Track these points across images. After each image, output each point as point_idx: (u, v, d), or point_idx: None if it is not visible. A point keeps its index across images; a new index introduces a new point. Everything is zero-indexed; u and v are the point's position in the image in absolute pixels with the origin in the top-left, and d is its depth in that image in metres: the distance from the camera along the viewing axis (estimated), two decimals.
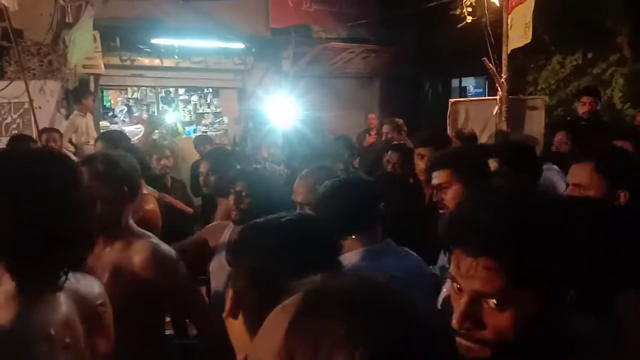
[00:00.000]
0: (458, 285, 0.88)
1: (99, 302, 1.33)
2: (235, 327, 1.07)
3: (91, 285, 1.35)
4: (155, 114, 8.94)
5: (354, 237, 1.75)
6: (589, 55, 7.83)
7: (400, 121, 5.69)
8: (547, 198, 0.99)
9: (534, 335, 0.86)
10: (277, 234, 1.13)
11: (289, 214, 1.23)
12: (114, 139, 3.52)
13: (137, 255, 1.76)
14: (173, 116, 9.34)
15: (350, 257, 1.71)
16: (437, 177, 2.10)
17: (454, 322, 0.85)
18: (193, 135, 8.59)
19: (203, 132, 9.15)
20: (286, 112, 6.63)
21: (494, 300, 0.84)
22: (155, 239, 1.87)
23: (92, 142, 5.53)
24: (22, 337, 1.08)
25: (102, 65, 6.77)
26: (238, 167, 3.32)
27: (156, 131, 7.84)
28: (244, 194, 2.43)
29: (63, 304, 1.19)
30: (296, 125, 5.97)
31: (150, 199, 2.97)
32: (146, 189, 3.05)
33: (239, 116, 9.17)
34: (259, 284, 1.05)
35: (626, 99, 7.20)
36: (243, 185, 2.45)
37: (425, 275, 1.85)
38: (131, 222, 1.93)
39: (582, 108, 4.70)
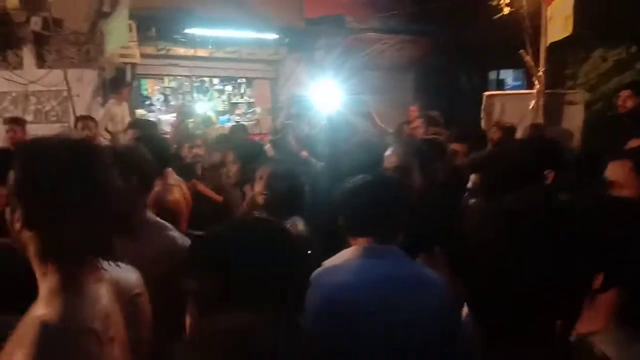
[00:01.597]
0: None
1: (136, 291, 1.32)
2: None
3: (128, 275, 1.33)
4: (190, 103, 9.06)
5: (368, 239, 1.68)
6: (633, 50, 7.53)
7: (435, 113, 5.57)
8: None
9: None
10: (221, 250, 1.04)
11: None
12: (144, 126, 3.58)
13: (149, 247, 1.74)
14: (207, 105, 9.46)
15: (348, 252, 1.68)
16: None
17: None
18: (226, 125, 8.69)
19: (236, 121, 9.24)
20: (330, 98, 6.59)
21: None
22: (172, 231, 1.87)
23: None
24: (67, 332, 1.05)
25: (138, 55, 6.90)
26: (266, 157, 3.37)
27: (189, 120, 7.99)
28: (263, 189, 2.46)
29: (104, 296, 1.18)
30: (340, 110, 5.90)
31: (175, 189, 3.01)
32: (173, 179, 3.10)
33: (272, 106, 9.22)
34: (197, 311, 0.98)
35: None
36: (262, 179, 2.48)
37: (431, 283, 1.66)
38: (148, 213, 1.94)
39: (620, 102, 4.51)
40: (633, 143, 2.53)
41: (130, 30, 6.22)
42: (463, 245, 1.02)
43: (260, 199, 2.51)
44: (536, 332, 0.92)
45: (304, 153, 5.03)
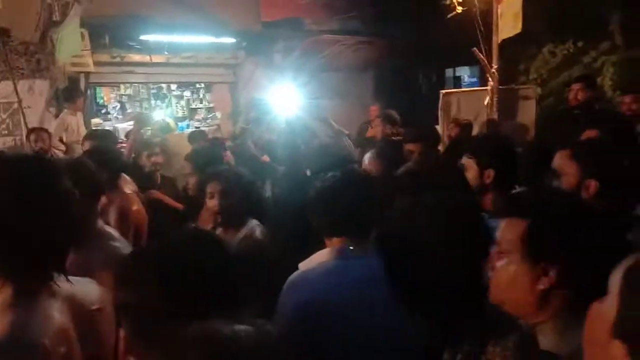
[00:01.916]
0: None
1: (95, 307, 1.30)
2: None
3: (87, 289, 1.32)
4: (147, 110, 8.92)
5: (343, 239, 1.67)
6: (580, 44, 7.82)
7: (393, 112, 5.64)
8: None
9: None
10: (159, 265, 1.02)
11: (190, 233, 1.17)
12: (100, 137, 3.51)
13: (96, 258, 1.74)
14: (165, 112, 9.31)
15: (324, 254, 1.68)
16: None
17: None
18: (186, 131, 8.58)
19: (196, 127, 9.13)
20: (288, 102, 6.59)
21: None
22: (117, 241, 1.87)
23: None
24: (16, 348, 1.04)
25: (92, 63, 6.73)
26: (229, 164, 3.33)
27: (147, 128, 7.85)
28: (218, 197, 2.44)
29: (57, 311, 1.16)
30: (299, 114, 5.91)
31: (134, 200, 2.97)
32: (129, 189, 3.05)
33: (232, 111, 9.15)
34: (140, 328, 0.96)
35: (616, 87, 7.20)
36: (215, 186, 2.45)
37: None
38: (99, 225, 1.95)
39: (572, 95, 4.66)
40: (588, 134, 2.61)
41: (83, 38, 6.06)
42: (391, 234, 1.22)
43: (215, 215, 2.50)
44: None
45: (265, 158, 5.03)
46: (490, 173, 2.18)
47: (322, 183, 1.74)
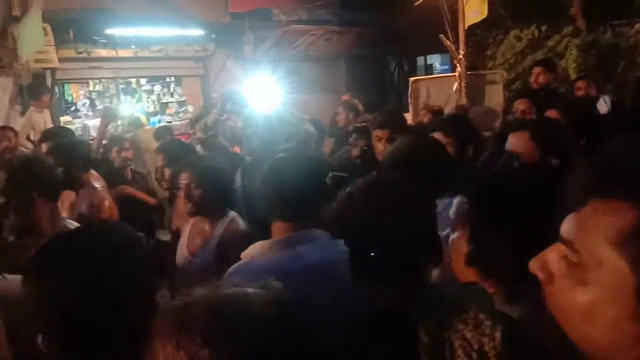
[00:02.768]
0: None
1: None
2: None
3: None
4: (117, 105, 8.78)
5: (287, 223, 1.59)
6: (544, 28, 7.97)
7: (355, 100, 5.71)
8: None
9: None
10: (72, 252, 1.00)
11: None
12: (57, 135, 3.45)
13: None
14: (135, 107, 9.18)
15: (256, 248, 1.61)
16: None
17: None
18: (158, 126, 8.49)
19: (168, 122, 9.04)
20: (265, 95, 6.55)
21: None
22: None
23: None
24: None
25: (56, 59, 6.59)
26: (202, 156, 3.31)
27: (118, 123, 7.74)
28: (193, 186, 2.44)
29: None
30: (277, 109, 5.88)
31: (105, 195, 2.96)
32: (98, 183, 3.03)
33: (204, 104, 9.07)
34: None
35: (580, 70, 7.37)
36: (189, 176, 2.45)
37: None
38: (64, 221, 1.91)
39: (533, 79, 4.78)
40: (549, 114, 2.69)
41: (45, 33, 5.94)
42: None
43: (187, 207, 2.49)
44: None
45: (236, 148, 5.02)
46: (470, 149, 2.27)
47: (268, 165, 1.67)
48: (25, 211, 1.75)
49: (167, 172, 3.36)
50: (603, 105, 4.29)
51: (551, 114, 2.69)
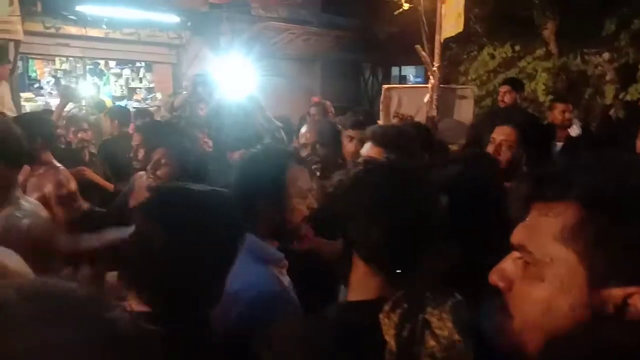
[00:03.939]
0: None
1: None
2: None
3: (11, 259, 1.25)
4: (81, 86, 8.51)
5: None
6: (517, 48, 8.13)
7: (328, 103, 5.69)
8: None
9: None
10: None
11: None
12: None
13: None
14: (102, 90, 8.93)
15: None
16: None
17: None
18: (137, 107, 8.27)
19: (134, 107, 8.82)
20: (238, 86, 6.48)
21: None
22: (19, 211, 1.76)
23: (8, 113, 5.16)
24: None
25: (21, 31, 6.31)
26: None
27: (82, 104, 7.49)
28: (162, 162, 2.37)
29: None
30: (249, 105, 5.83)
31: (69, 175, 2.84)
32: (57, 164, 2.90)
33: (173, 92, 8.90)
34: None
35: (549, 93, 7.53)
36: (162, 152, 2.37)
37: None
38: (18, 193, 1.84)
39: (499, 97, 4.82)
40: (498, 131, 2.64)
41: (11, 3, 5.70)
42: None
43: (149, 180, 2.41)
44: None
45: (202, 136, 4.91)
46: None
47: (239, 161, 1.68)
48: None
49: (142, 152, 3.25)
50: (574, 129, 4.39)
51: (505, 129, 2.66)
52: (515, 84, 4.98)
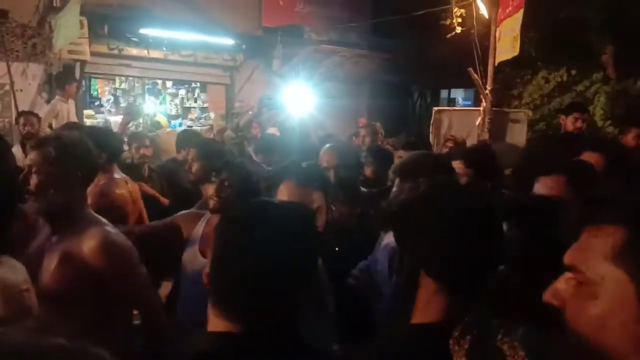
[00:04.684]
0: None
1: (24, 287, 1.31)
2: None
3: (15, 271, 1.32)
4: (140, 105, 8.88)
5: None
6: (573, 72, 7.94)
7: (378, 125, 5.71)
8: None
9: None
10: None
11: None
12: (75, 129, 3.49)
13: (87, 243, 1.68)
14: (158, 108, 9.29)
15: None
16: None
17: None
18: (178, 129, 8.56)
19: (188, 126, 9.12)
20: (298, 103, 6.72)
21: None
22: (109, 227, 1.79)
23: None
24: None
25: (88, 52, 6.70)
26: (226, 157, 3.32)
27: (139, 122, 7.80)
28: (226, 184, 2.41)
29: None
30: (312, 115, 6.01)
31: (120, 183, 2.96)
32: (119, 175, 3.03)
33: (226, 112, 9.15)
34: None
35: (607, 117, 7.30)
36: (227, 175, 2.43)
37: None
38: (87, 208, 1.86)
39: (574, 124, 4.61)
40: (586, 156, 2.47)
41: (82, 26, 6.05)
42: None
43: (212, 203, 2.45)
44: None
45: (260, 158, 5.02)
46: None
47: None
48: (66, 192, 1.74)
49: (196, 165, 3.36)
50: None
51: (592, 156, 2.52)
52: (585, 109, 4.84)
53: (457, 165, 2.28)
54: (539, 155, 4.43)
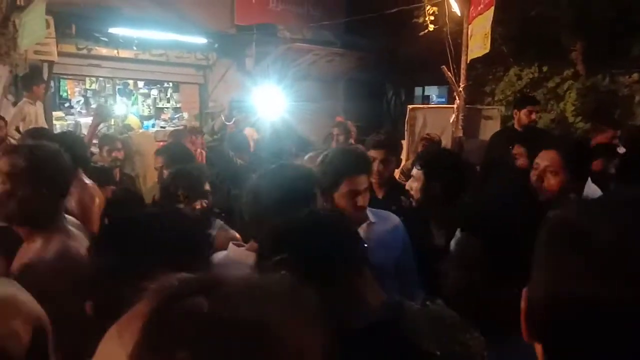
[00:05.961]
0: None
1: None
2: None
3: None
4: (111, 106, 8.69)
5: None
6: (545, 69, 8.06)
7: (349, 123, 5.71)
8: None
9: None
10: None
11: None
12: (40, 136, 3.36)
13: (47, 254, 1.64)
14: (130, 109, 9.12)
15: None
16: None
17: None
18: (152, 130, 8.40)
19: (162, 127, 8.97)
20: (272, 105, 6.68)
21: None
22: (71, 241, 1.72)
23: None
24: None
25: (56, 52, 6.51)
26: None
27: (111, 124, 7.64)
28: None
29: None
30: (284, 118, 6.00)
31: (97, 192, 2.88)
32: (87, 180, 2.95)
33: (200, 112, 9.03)
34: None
35: (577, 113, 7.44)
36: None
37: None
38: (61, 219, 1.80)
39: (528, 117, 4.69)
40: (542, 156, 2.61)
41: (48, 26, 5.86)
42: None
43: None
44: None
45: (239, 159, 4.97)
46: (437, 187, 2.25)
47: (255, 180, 1.67)
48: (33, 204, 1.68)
49: (166, 173, 3.32)
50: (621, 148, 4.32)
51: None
52: (536, 102, 4.94)
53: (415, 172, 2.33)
54: (489, 152, 4.60)
